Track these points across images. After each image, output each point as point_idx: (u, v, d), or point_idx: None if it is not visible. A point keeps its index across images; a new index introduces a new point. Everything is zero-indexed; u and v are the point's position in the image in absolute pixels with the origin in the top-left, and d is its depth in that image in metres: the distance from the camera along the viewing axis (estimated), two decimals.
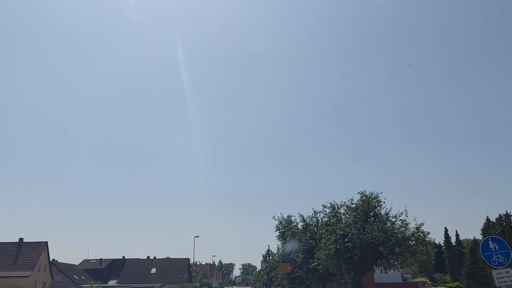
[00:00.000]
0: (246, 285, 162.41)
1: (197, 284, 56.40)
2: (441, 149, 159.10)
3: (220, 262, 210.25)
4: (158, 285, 55.47)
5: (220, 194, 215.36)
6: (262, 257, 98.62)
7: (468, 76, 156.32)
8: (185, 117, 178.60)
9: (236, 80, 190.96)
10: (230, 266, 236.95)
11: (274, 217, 40.27)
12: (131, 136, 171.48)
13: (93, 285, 46.95)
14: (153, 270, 63.69)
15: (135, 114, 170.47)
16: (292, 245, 36.62)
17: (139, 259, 69.00)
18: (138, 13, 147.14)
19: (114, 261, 76.38)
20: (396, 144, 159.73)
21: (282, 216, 40.70)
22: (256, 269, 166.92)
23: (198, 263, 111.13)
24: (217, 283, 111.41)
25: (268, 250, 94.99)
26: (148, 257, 69.33)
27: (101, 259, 76.18)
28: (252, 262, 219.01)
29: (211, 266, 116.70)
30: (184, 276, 62.10)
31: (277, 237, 40.65)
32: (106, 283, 72.24)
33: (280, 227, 39.93)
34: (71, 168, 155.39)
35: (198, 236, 52.13)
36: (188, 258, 63.37)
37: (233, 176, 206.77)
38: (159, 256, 75.20)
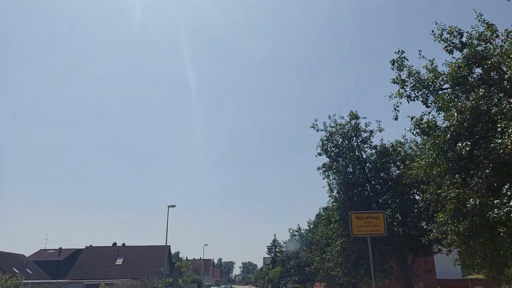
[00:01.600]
0: (247, 283, 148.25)
1: (170, 281, 39.66)
2: None
3: (219, 260, 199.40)
4: (122, 281, 38.84)
5: (221, 193, 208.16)
6: (266, 249, 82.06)
7: None
8: (189, 116, 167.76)
9: (241, 80, 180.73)
10: (230, 264, 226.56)
11: (314, 125, 21.15)
12: (133, 136, 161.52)
13: (9, 281, 30.57)
14: (119, 262, 46.64)
15: (137, 114, 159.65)
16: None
17: (102, 247, 51.68)
18: (143, 13, 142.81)
19: (77, 252, 59.30)
20: None
21: (335, 120, 21.41)
22: (257, 267, 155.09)
23: (193, 259, 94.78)
24: (212, 281, 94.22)
25: (275, 240, 78.75)
26: (115, 243, 52.02)
27: (60, 248, 59.09)
28: (253, 260, 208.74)
29: (206, 261, 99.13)
30: (162, 269, 45.12)
31: (323, 169, 21.33)
32: (64, 279, 55.71)
33: (329, 146, 20.81)
34: (71, 168, 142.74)
35: (174, 206, 34.95)
36: (169, 246, 46.29)
37: (233, 176, 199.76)
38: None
